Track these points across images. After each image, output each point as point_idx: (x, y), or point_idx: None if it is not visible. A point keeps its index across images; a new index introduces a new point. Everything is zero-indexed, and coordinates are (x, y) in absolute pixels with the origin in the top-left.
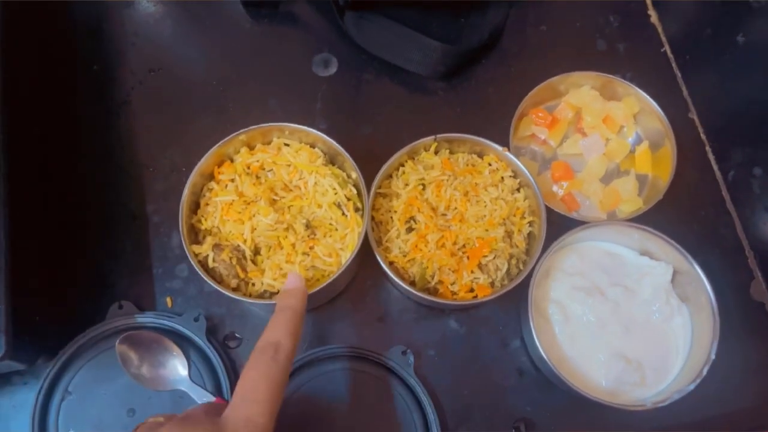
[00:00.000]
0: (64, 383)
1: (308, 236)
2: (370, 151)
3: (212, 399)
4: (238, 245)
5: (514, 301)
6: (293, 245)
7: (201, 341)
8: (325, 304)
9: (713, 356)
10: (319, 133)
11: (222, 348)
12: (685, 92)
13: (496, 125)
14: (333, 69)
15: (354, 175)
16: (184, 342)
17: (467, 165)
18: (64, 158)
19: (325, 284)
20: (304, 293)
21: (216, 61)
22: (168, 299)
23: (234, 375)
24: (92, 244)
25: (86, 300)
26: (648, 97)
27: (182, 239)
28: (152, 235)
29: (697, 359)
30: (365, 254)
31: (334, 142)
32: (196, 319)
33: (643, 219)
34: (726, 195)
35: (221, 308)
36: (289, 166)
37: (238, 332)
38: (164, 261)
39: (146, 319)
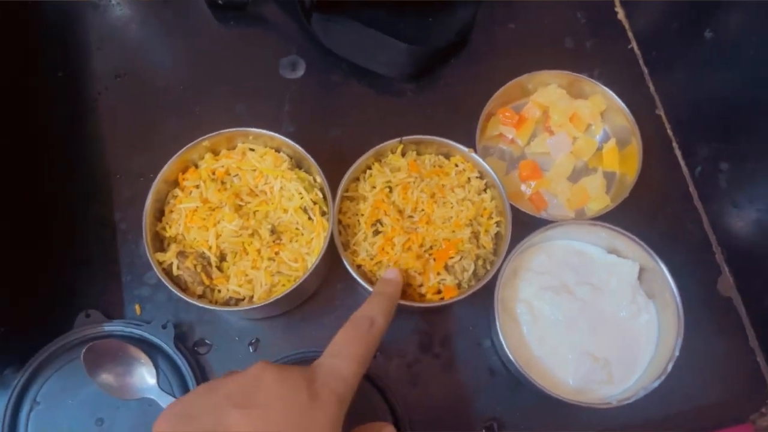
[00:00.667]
0: (32, 393)
1: (274, 241)
2: (338, 154)
3: None
4: (203, 252)
5: (484, 301)
6: (258, 251)
7: (169, 349)
8: (295, 308)
9: (677, 353)
10: (283, 137)
11: (192, 354)
12: (652, 88)
13: (465, 125)
14: (301, 71)
15: (319, 179)
16: (152, 350)
17: (434, 166)
18: (29, 166)
19: (290, 289)
20: (400, 284)
21: (182, 65)
22: (137, 306)
23: (203, 381)
24: (59, 253)
25: (54, 309)
26: (614, 94)
27: (146, 248)
28: (120, 242)
29: (663, 356)
30: (335, 257)
31: (299, 147)
32: (164, 327)
33: (610, 216)
34: (693, 190)
35: (191, 314)
36: (254, 171)
37: (208, 338)
38: (132, 268)
39: (114, 327)
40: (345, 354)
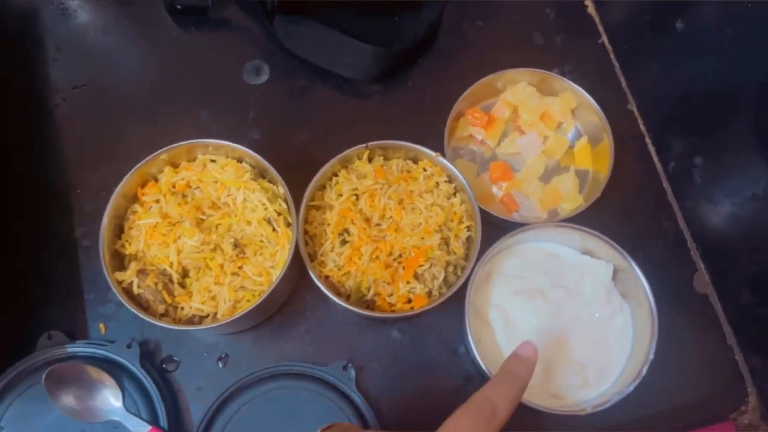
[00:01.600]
0: None
1: (237, 255)
2: (305, 159)
3: (147, 428)
4: (165, 269)
5: (458, 307)
6: (221, 266)
7: (135, 369)
8: (264, 320)
9: (651, 356)
10: (243, 147)
11: (159, 372)
12: (623, 83)
13: (434, 127)
14: (265, 76)
15: (281, 190)
16: (117, 370)
17: (402, 171)
18: None
19: (254, 305)
20: (534, 365)
21: (143, 74)
22: (101, 325)
23: (171, 400)
24: (19, 271)
25: (15, 330)
26: (584, 91)
27: (103, 267)
28: (82, 259)
29: (638, 359)
30: (303, 267)
31: (260, 157)
32: (129, 346)
33: (584, 215)
34: (667, 186)
35: (157, 332)
36: (216, 182)
37: (176, 355)
38: (96, 286)
39: (77, 348)
40: None
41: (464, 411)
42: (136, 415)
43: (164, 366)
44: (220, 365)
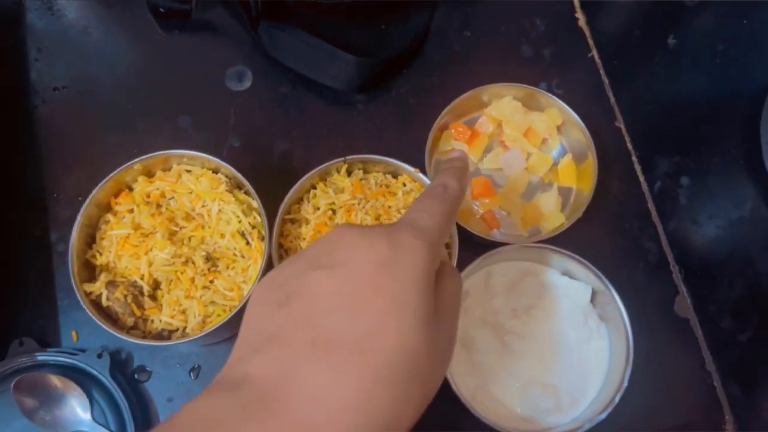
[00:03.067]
0: None
1: (209, 269)
2: (285, 169)
3: None
4: (135, 281)
5: None
6: (192, 279)
7: (104, 379)
8: (235, 334)
9: (626, 383)
10: (218, 159)
11: (131, 383)
12: (612, 99)
13: (417, 139)
14: (248, 83)
15: (255, 204)
16: (87, 380)
17: (380, 186)
18: None
19: (223, 321)
20: (467, 158)
21: (124, 76)
22: (73, 333)
23: (141, 411)
24: None
25: None
26: (569, 108)
27: (71, 278)
28: (57, 265)
29: (613, 384)
30: None
31: (234, 170)
32: (99, 356)
33: (566, 234)
34: (652, 207)
35: (129, 341)
36: (190, 193)
37: (148, 365)
38: (69, 292)
39: (47, 357)
40: (422, 208)
41: (419, 197)
42: (104, 426)
43: (136, 376)
44: (192, 377)
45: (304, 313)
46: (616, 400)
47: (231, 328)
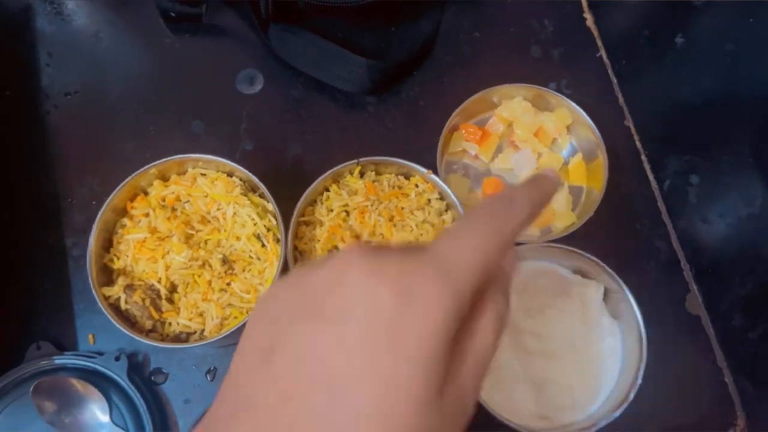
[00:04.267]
0: None
1: (225, 272)
2: (298, 172)
3: None
4: (153, 284)
5: None
6: (209, 282)
7: (123, 381)
8: None
9: (639, 381)
10: (232, 163)
11: (148, 385)
12: (621, 99)
13: (428, 140)
14: (259, 86)
15: (270, 207)
16: (105, 382)
17: (393, 188)
18: None
19: (241, 323)
20: (556, 183)
21: (135, 82)
22: (90, 337)
23: (159, 413)
24: (8, 281)
25: (3, 340)
26: (579, 108)
27: (90, 282)
28: (72, 269)
29: (627, 381)
30: None
31: (249, 173)
32: (117, 358)
33: (577, 233)
34: (662, 206)
35: (146, 343)
36: (206, 197)
37: (165, 367)
38: (85, 296)
39: (65, 360)
40: (462, 233)
41: (478, 206)
42: (123, 429)
43: (153, 378)
44: (209, 378)
45: (285, 381)
46: (631, 397)
47: None
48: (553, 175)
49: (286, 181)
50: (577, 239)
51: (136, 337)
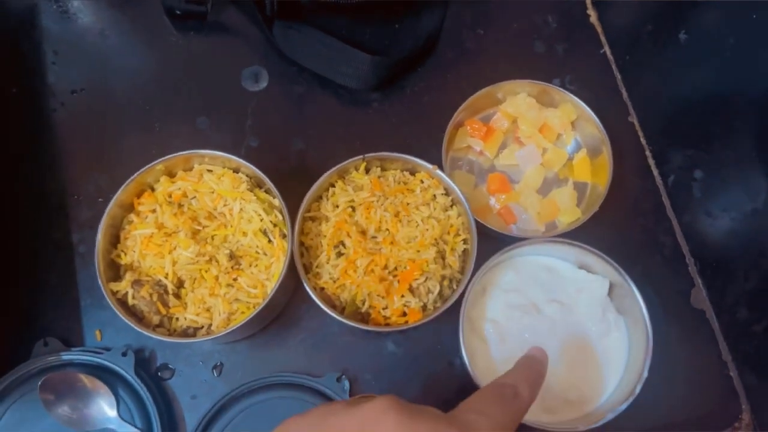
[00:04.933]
0: None
1: (232, 267)
2: (302, 168)
3: None
4: (160, 279)
5: (453, 319)
6: (216, 278)
7: (130, 377)
8: (259, 331)
9: (646, 374)
10: (239, 159)
11: (154, 381)
12: (624, 95)
13: (433, 136)
14: (264, 83)
15: (277, 202)
16: (113, 378)
17: (398, 183)
18: None
19: (248, 318)
20: (546, 363)
21: (141, 78)
22: (97, 332)
23: (166, 408)
24: (14, 277)
25: (10, 336)
26: (583, 103)
27: (98, 278)
28: (78, 265)
29: (632, 375)
30: (299, 278)
31: (255, 168)
32: (124, 354)
33: (582, 228)
34: (666, 200)
35: (152, 339)
36: (212, 193)
37: (171, 363)
38: (92, 292)
39: (72, 356)
40: (485, 411)
41: (485, 388)
42: (130, 424)
43: (159, 374)
44: (215, 374)
45: None
46: (637, 390)
47: (255, 324)
48: (542, 355)
49: (291, 177)
50: (581, 235)
51: (144, 332)
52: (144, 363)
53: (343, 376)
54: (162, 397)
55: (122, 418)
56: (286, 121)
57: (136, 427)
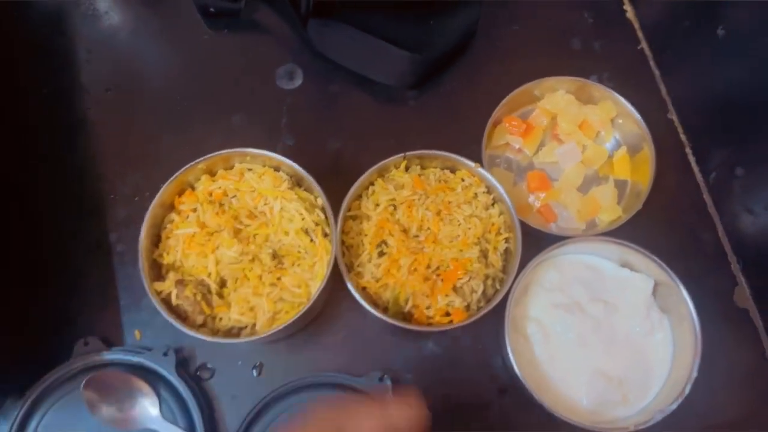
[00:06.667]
0: (33, 424)
1: (275, 266)
2: (339, 167)
3: None
4: (203, 279)
5: (494, 318)
6: (260, 277)
7: (171, 377)
8: (298, 331)
9: (695, 374)
10: (280, 157)
11: (195, 380)
12: (663, 91)
13: (470, 134)
14: (298, 81)
15: (320, 201)
16: (154, 378)
17: (439, 181)
18: (17, 190)
19: (293, 318)
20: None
21: (175, 76)
22: (137, 332)
23: (207, 408)
24: (53, 278)
25: (51, 336)
26: (623, 99)
27: (143, 278)
28: (117, 265)
29: (679, 375)
30: (339, 276)
31: (297, 166)
32: (165, 354)
33: (623, 227)
34: (707, 198)
35: (192, 339)
36: (253, 191)
37: (211, 363)
38: (131, 292)
39: (114, 356)
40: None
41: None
42: (173, 423)
43: (199, 374)
44: (255, 374)
45: None
46: (687, 390)
47: (299, 323)
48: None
49: (327, 177)
50: (621, 233)
51: (189, 333)
52: (183, 363)
53: (386, 376)
54: (203, 396)
55: (164, 418)
56: (321, 119)
57: (178, 426)
